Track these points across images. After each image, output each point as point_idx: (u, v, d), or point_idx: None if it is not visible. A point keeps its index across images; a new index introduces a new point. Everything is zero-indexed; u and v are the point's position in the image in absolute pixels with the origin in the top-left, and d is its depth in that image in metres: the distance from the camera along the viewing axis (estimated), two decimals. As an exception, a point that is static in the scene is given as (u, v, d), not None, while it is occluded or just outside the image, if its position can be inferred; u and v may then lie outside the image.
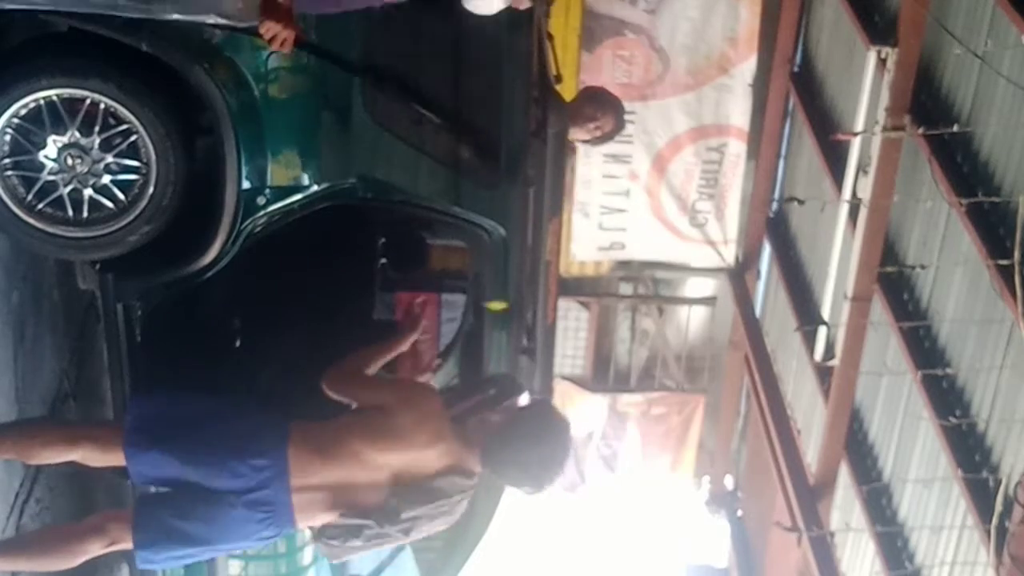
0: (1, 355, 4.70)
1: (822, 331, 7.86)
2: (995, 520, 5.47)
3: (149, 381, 4.80)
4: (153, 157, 4.34)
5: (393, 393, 4.30)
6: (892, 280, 7.08)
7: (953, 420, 6.01)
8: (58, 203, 4.39)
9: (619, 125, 5.99)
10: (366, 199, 4.66)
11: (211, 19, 4.04)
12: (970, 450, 6.01)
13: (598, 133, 5.91)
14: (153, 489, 4.43)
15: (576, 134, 5.93)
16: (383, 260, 6.47)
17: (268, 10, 4.05)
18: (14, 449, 4.36)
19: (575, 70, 9.32)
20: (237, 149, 4.40)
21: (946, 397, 6.30)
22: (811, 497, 8.01)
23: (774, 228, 9.88)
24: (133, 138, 4.32)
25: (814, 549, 7.70)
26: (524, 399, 4.42)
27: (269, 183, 4.54)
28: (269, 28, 4.05)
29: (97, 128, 4.30)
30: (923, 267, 6.65)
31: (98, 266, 4.64)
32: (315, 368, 5.60)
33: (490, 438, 4.20)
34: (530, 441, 4.15)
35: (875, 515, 7.10)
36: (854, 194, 7.22)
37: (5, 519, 4.80)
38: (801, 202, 8.42)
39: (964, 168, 6.21)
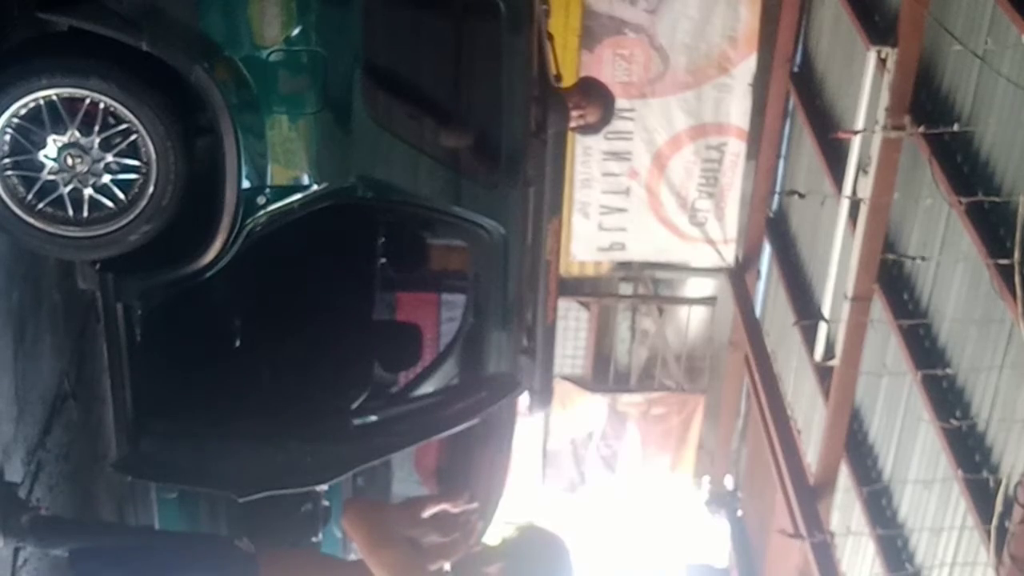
0: (1, 355, 4.70)
1: (822, 331, 7.86)
2: (995, 520, 5.48)
3: (149, 381, 4.80)
4: (153, 156, 4.33)
5: None
6: (892, 280, 7.08)
7: (954, 422, 6.02)
8: (58, 203, 4.38)
9: (604, 119, 5.99)
10: (366, 199, 4.64)
11: None
12: (970, 450, 6.01)
13: (581, 123, 5.91)
14: None
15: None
16: (383, 260, 6.47)
17: None
18: None
19: (575, 70, 9.32)
20: (237, 148, 4.39)
21: (946, 397, 6.30)
22: (811, 497, 8.01)
23: (774, 228, 9.88)
24: (133, 137, 4.31)
25: (814, 549, 7.70)
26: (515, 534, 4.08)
27: (269, 183, 4.53)
28: None
29: (97, 127, 4.29)
30: (923, 259, 6.65)
31: (98, 266, 4.63)
32: (315, 367, 5.62)
33: None
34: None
35: (875, 515, 7.09)
36: (854, 194, 7.22)
37: (5, 519, 4.80)
38: (802, 195, 8.43)
39: (964, 168, 6.21)
